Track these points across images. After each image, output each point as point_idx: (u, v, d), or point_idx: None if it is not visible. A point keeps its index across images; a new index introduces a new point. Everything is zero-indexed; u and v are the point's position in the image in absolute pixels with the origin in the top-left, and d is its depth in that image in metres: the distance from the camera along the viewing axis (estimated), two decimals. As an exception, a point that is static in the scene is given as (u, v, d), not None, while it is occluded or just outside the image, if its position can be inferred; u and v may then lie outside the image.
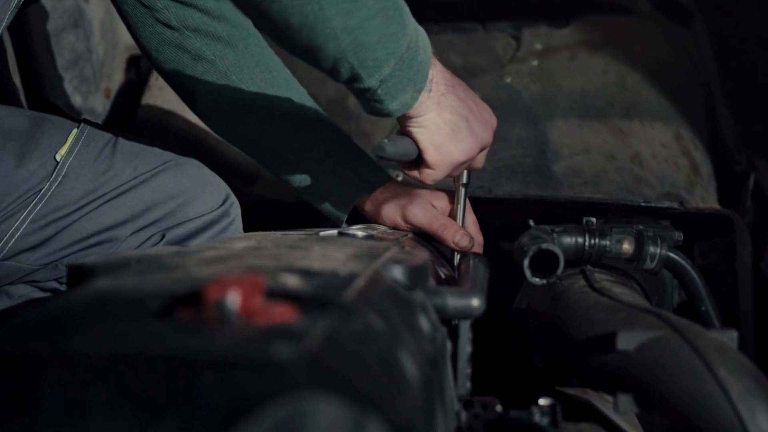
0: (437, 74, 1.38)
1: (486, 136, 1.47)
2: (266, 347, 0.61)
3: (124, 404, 0.58)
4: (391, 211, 1.60)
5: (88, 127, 1.54)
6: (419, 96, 1.35)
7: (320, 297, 0.74)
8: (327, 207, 1.65)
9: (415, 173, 1.47)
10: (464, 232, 1.56)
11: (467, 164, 1.51)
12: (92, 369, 0.60)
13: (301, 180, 1.65)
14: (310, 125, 1.65)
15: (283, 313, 0.68)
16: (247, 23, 1.71)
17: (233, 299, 0.66)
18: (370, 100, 1.32)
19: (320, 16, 1.15)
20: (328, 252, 1.05)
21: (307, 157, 1.63)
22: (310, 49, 1.21)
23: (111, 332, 0.65)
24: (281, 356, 0.60)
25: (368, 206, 1.63)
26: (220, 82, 1.64)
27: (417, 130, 1.40)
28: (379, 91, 1.29)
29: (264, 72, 1.67)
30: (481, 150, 1.48)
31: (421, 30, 1.33)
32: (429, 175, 1.46)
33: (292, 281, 0.80)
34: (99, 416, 0.58)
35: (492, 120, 1.50)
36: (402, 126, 1.42)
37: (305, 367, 0.60)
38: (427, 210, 1.58)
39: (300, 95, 1.69)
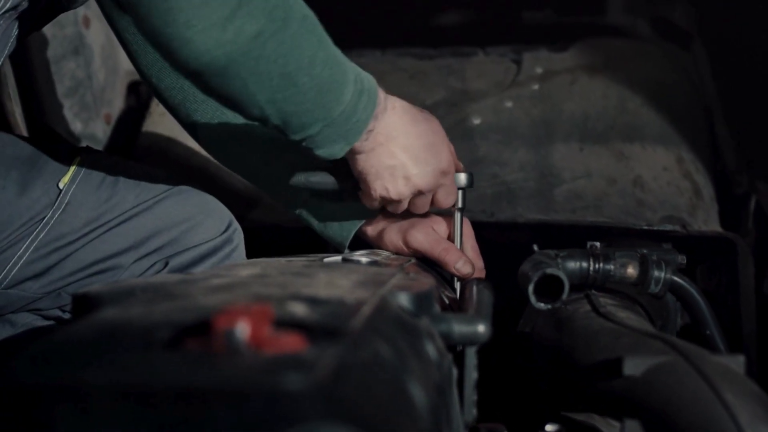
0: (382, 124, 1.39)
1: (423, 182, 1.46)
2: (277, 377, 0.61)
3: (135, 436, 0.58)
4: (393, 236, 1.60)
5: (91, 154, 1.55)
6: (351, 147, 1.37)
7: (328, 326, 0.74)
8: (329, 233, 1.65)
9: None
10: (466, 259, 1.56)
11: (419, 203, 1.52)
12: (104, 400, 0.60)
13: (304, 206, 1.65)
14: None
15: (291, 343, 0.68)
16: None
17: (242, 329, 0.66)
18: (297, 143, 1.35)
19: (244, 92, 1.23)
20: (334, 279, 1.05)
21: None
22: (234, 106, 1.29)
23: (121, 364, 0.65)
24: (292, 386, 0.60)
25: (370, 231, 1.63)
26: (221, 110, 1.64)
27: (351, 162, 1.43)
28: (304, 144, 1.33)
29: None
30: (418, 194, 1.49)
31: (368, 86, 1.36)
32: (366, 203, 1.51)
33: (299, 310, 0.80)
34: (110, 449, 0.58)
35: (439, 165, 1.47)
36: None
37: (316, 397, 0.60)
38: (429, 234, 1.58)
39: None
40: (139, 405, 0.60)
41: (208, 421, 0.59)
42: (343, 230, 1.63)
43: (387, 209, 1.53)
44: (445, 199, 1.54)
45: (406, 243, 1.59)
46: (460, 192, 1.59)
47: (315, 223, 1.66)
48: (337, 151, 1.35)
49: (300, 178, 1.50)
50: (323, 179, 1.51)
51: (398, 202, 1.48)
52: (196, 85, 1.28)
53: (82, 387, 0.62)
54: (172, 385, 0.61)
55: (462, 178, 1.57)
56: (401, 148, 1.43)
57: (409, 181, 1.45)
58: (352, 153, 1.39)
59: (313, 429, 0.58)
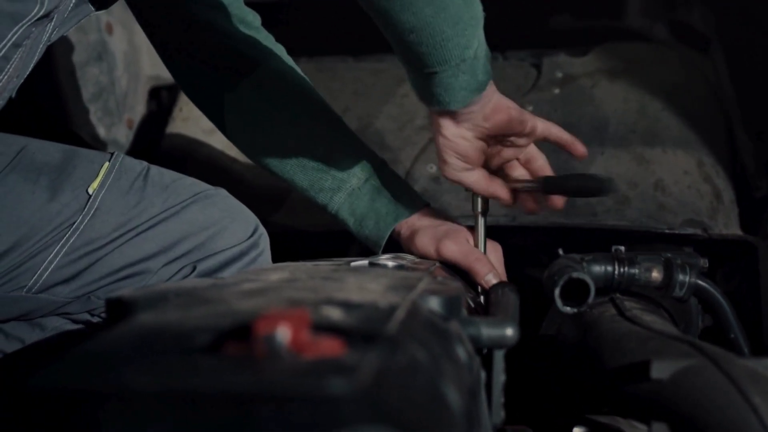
0: None
1: None
2: (321, 382, 0.61)
3: (183, 440, 0.59)
4: (425, 241, 1.61)
5: (119, 160, 1.56)
6: (490, 79, 1.45)
7: (365, 330, 0.75)
8: (364, 233, 1.66)
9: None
10: (496, 272, 1.57)
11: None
12: (149, 405, 0.61)
13: (339, 206, 1.66)
14: (347, 152, 1.67)
15: (331, 347, 0.68)
16: (281, 51, 1.73)
17: (283, 334, 0.67)
18: (466, 74, 1.38)
19: None
20: (364, 283, 1.05)
21: (345, 184, 1.64)
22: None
23: (164, 368, 0.66)
24: (336, 391, 0.61)
25: (404, 233, 1.64)
26: (256, 111, 1.66)
27: (496, 97, 1.49)
28: (478, 52, 1.38)
29: (299, 99, 1.69)
30: None
31: None
32: (523, 120, 1.54)
33: (335, 314, 0.81)
34: (158, 451, 0.59)
35: None
36: (471, 111, 1.47)
37: (360, 401, 0.61)
38: (462, 244, 1.59)
39: (336, 121, 1.71)
40: (185, 410, 0.61)
41: (253, 425, 0.59)
42: (379, 230, 1.65)
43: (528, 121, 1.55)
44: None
45: (438, 250, 1.59)
46: (479, 197, 1.61)
47: (351, 222, 1.67)
48: (489, 68, 1.43)
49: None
50: None
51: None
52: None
53: (128, 392, 0.63)
54: (217, 390, 0.62)
55: None
56: None
57: None
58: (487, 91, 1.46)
59: (358, 433, 0.59)
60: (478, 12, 1.36)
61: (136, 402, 0.62)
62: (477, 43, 1.37)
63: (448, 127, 1.48)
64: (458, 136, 1.48)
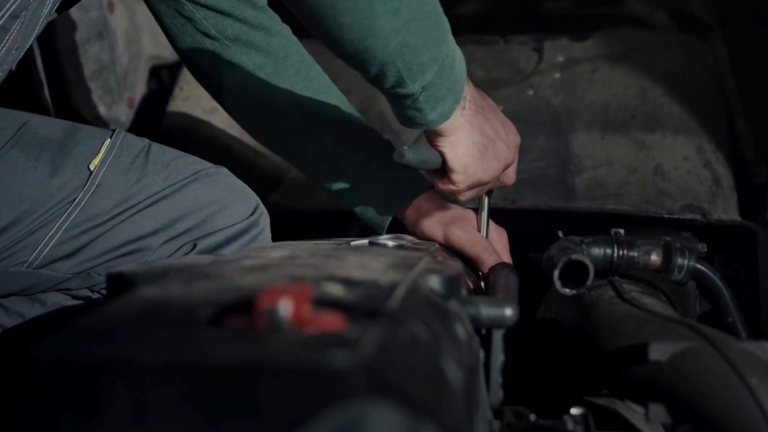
0: (469, 92, 1.41)
1: (510, 156, 1.51)
2: (322, 355, 0.62)
3: (186, 411, 0.60)
4: (432, 225, 1.61)
5: (121, 136, 1.55)
6: (456, 108, 1.37)
7: (367, 306, 0.75)
8: (368, 214, 1.66)
9: (438, 184, 1.51)
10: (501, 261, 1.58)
11: (491, 184, 1.53)
12: (153, 377, 0.62)
13: (343, 187, 1.66)
14: (351, 133, 1.67)
15: (332, 322, 0.69)
16: (286, 31, 1.73)
17: (285, 308, 0.67)
18: (410, 109, 1.34)
19: (370, 13, 1.18)
20: (365, 262, 1.06)
21: (349, 165, 1.64)
22: (360, 51, 1.23)
23: (168, 340, 0.66)
24: (338, 364, 0.61)
25: (410, 214, 1.64)
26: (261, 91, 1.66)
27: (447, 150, 1.43)
28: (421, 98, 1.31)
29: (304, 80, 1.69)
30: (504, 169, 1.51)
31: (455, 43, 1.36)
32: (451, 191, 1.50)
33: (336, 290, 0.82)
34: (162, 423, 0.59)
35: (516, 138, 1.53)
36: (431, 143, 1.44)
37: (362, 374, 0.61)
38: (470, 232, 1.59)
39: (341, 102, 1.71)
40: (189, 381, 0.61)
41: (255, 397, 0.60)
42: (382, 212, 1.64)
43: (455, 196, 1.53)
44: (514, 176, 1.59)
45: (445, 235, 1.59)
46: None
47: (354, 205, 1.67)
48: (446, 110, 1.35)
49: (409, 155, 1.43)
50: (428, 157, 1.47)
51: (486, 184, 1.51)
52: (317, 20, 1.21)
53: (133, 363, 0.63)
54: (220, 362, 0.62)
55: None
56: (488, 121, 1.45)
57: (498, 159, 1.48)
58: (449, 134, 1.41)
59: (360, 406, 0.59)
60: (424, 58, 1.27)
61: (142, 374, 0.62)
62: (418, 87, 1.30)
63: None
64: None
